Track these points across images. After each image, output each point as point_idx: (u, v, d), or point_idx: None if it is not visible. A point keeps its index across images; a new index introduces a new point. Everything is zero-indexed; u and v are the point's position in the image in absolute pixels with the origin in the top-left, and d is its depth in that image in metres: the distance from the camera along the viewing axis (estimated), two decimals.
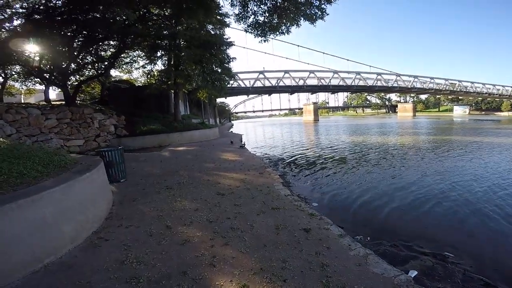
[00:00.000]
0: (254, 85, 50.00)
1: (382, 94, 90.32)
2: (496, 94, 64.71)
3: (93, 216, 4.30)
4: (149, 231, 4.22)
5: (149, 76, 19.93)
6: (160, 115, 19.97)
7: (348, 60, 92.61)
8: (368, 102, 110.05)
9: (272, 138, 28.93)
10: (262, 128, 52.48)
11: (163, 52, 18.07)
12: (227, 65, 20.19)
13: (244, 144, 17.07)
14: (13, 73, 16.64)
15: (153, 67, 19.56)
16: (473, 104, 79.42)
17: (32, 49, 13.79)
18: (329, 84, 53.06)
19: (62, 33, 13.90)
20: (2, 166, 4.08)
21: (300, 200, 6.03)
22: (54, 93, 22.86)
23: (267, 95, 63.34)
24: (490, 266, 4.09)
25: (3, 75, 16.31)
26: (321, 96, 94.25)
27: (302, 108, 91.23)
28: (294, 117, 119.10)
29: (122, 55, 18.81)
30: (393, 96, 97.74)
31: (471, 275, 3.74)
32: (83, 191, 4.11)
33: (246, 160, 10.87)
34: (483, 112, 75.02)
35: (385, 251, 4.41)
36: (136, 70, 21.12)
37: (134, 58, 20.23)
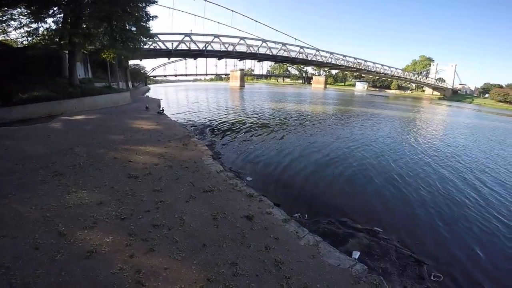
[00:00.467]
0: (178, 48, 44.83)
1: (302, 66, 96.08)
2: (389, 75, 77.40)
3: None
4: (33, 242, 2.90)
5: (33, 35, 15.05)
6: (50, 79, 15.72)
7: (277, 30, 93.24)
8: (288, 73, 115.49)
9: (196, 103, 27.09)
10: (185, 92, 48.86)
11: (56, 9, 14.14)
12: (144, 24, 17.28)
13: (163, 110, 15.03)
14: None
15: (40, 25, 14.92)
16: (371, 82, 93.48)
17: None
18: (257, 52, 52.32)
19: None
20: None
21: (235, 177, 5.38)
22: None
23: (193, 59, 58.38)
24: (407, 236, 4.48)
25: None
26: (248, 64, 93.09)
27: (229, 74, 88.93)
28: (221, 83, 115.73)
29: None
30: (310, 69, 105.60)
31: (401, 251, 3.98)
32: None
33: (165, 129, 9.36)
34: (377, 89, 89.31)
35: (325, 230, 4.33)
36: (17, 30, 15.70)
37: (13, 17, 14.90)
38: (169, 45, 44.28)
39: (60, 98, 13.96)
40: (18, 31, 15.69)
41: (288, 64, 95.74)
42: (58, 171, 5.06)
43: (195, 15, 66.69)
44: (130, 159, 5.73)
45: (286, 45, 55.28)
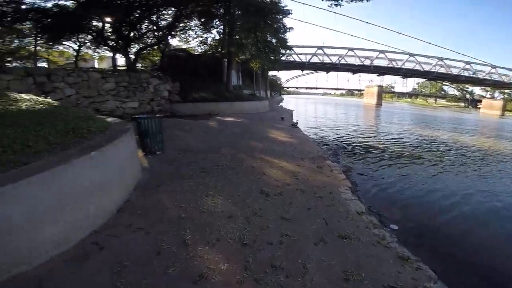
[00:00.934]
0: (311, 61, 45.85)
1: (467, 86, 75.27)
2: None
3: (97, 209, 3.18)
4: (159, 243, 2.95)
5: (204, 44, 19.33)
6: (213, 83, 19.52)
7: (430, 43, 79.15)
8: (443, 92, 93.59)
9: (325, 118, 26.26)
10: (314, 105, 49.03)
11: (217, 21, 17.43)
12: (282, 36, 18.34)
13: (297, 122, 14.89)
14: (86, 41, 17.89)
15: (208, 35, 19.24)
16: None
17: (96, 18, 14.72)
18: (402, 67, 45.77)
19: (119, 2, 14.33)
20: (8, 133, 3.19)
21: (379, 224, 4.15)
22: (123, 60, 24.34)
23: (325, 72, 58.28)
24: None
25: (77, 43, 17.56)
26: (387, 80, 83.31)
27: (362, 90, 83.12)
28: (352, 99, 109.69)
29: (181, 25, 18.85)
30: (477, 90, 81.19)
31: None
32: (84, 176, 2.99)
33: (299, 144, 9.03)
34: None
35: None
36: (194, 39, 20.93)
37: (191, 28, 20.02)
38: (302, 58, 45.80)
39: (218, 100, 16.87)
40: (195, 40, 20.62)
41: (445, 83, 77.75)
42: (205, 168, 5.55)
43: (325, 27, 66.40)
44: (265, 171, 5.60)
45: (443, 60, 45.02)
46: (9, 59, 16.54)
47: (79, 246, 2.82)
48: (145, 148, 6.45)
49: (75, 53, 18.00)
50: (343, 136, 15.03)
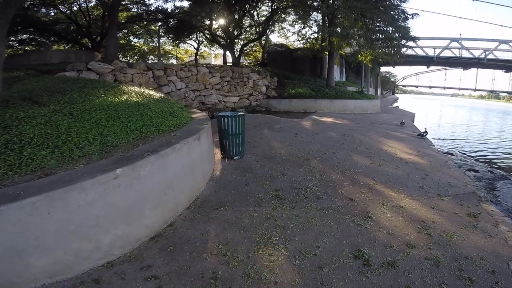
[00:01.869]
0: (442, 55, 36.28)
1: None
2: None
3: (116, 238, 2.34)
4: None
5: (302, 38, 17.82)
6: (312, 79, 17.66)
7: None
8: None
9: (461, 126, 19.61)
10: (442, 109, 38.63)
11: (314, 12, 16.04)
12: (402, 24, 14.70)
13: (426, 132, 9.70)
14: (203, 40, 19.67)
15: (306, 28, 17.60)
16: None
17: (206, 17, 15.79)
18: None
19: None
20: (72, 130, 2.98)
21: None
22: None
23: (462, 69, 45.35)
24: None
25: (196, 41, 19.51)
26: None
27: None
28: (497, 102, 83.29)
29: (279, 20, 18.48)
30: None
31: None
32: (98, 201, 2.13)
33: (432, 168, 5.57)
34: None
35: None
36: (293, 34, 20.19)
37: (289, 23, 19.10)
38: (429, 52, 37.04)
39: (316, 97, 14.98)
40: (294, 35, 19.49)
41: None
42: (281, 190, 4.03)
43: (460, 17, 50.82)
44: (371, 211, 3.43)
45: None
46: (150, 56, 19.98)
47: (78, 278, 2.09)
48: (222, 151, 5.59)
49: (195, 51, 20.01)
50: (493, 156, 10.26)
